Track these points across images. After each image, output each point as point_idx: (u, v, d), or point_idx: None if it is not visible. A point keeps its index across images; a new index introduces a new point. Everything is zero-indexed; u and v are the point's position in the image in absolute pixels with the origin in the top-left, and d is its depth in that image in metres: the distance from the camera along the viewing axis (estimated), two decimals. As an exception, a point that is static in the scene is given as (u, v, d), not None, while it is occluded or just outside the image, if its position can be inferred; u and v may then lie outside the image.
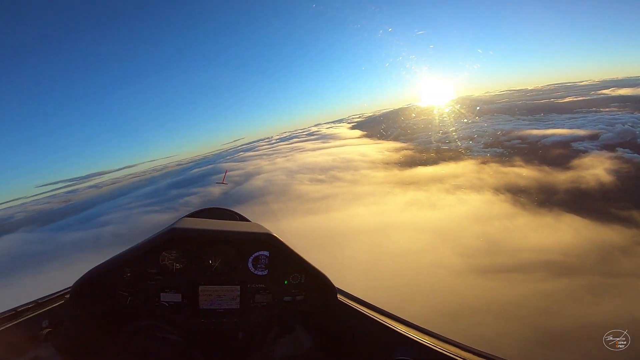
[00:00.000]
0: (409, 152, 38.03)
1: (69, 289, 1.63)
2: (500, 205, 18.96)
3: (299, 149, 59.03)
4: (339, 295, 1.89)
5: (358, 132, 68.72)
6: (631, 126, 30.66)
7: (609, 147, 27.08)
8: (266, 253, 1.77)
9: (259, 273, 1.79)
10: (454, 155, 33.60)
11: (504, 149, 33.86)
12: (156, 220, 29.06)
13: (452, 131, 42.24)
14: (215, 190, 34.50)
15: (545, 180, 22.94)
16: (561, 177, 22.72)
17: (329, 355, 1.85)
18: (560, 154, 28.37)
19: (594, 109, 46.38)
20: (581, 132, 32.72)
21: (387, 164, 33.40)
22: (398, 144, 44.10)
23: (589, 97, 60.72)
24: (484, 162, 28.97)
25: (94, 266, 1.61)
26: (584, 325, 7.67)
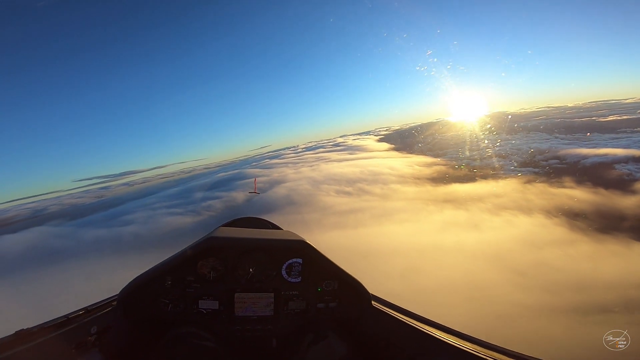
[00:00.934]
0: (441, 168, 36.25)
1: (116, 296, 1.66)
2: (555, 230, 17.01)
3: (325, 159, 57.99)
4: (373, 302, 1.85)
5: (386, 145, 67.18)
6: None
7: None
8: (299, 260, 1.77)
9: (293, 280, 1.79)
10: (489, 174, 31.94)
11: (539, 168, 32.16)
12: (177, 223, 29.01)
13: (486, 148, 40.31)
14: (239, 195, 34.27)
15: (602, 203, 20.76)
16: (622, 201, 20.48)
17: None
18: (613, 176, 26.28)
19: (639, 128, 44.28)
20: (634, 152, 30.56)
21: (418, 179, 31.75)
22: (429, 159, 42.46)
23: (634, 116, 57.55)
24: (528, 182, 26.93)
25: (137, 274, 1.65)
26: None
